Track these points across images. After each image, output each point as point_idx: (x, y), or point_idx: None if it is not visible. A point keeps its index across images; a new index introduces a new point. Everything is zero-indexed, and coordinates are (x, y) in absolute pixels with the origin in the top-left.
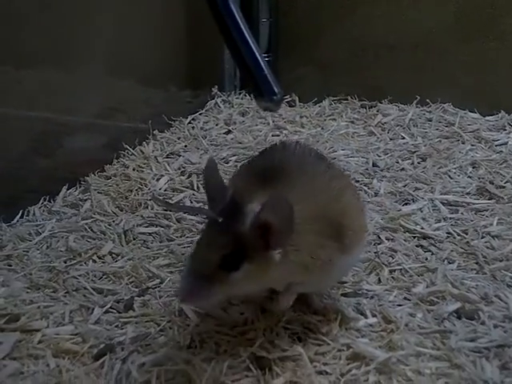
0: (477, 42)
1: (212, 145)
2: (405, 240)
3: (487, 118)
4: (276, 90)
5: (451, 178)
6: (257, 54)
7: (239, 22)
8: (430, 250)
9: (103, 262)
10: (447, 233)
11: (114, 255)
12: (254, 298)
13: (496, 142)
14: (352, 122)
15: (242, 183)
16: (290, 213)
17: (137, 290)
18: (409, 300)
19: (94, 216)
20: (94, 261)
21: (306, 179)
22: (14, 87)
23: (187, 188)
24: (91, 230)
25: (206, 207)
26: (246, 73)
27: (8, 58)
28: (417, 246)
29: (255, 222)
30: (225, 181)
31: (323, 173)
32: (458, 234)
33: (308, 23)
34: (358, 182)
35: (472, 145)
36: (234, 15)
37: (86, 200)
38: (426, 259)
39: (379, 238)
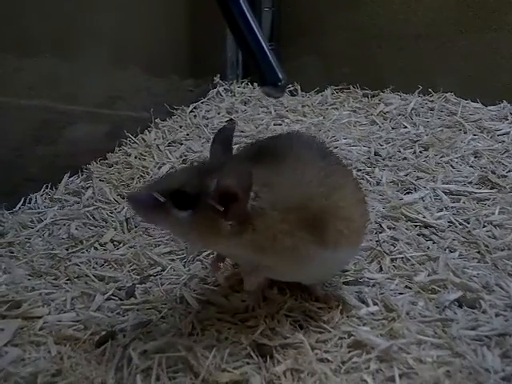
0: (479, 31)
1: (214, 133)
2: (406, 229)
3: (489, 107)
4: (280, 76)
5: (453, 168)
6: (261, 40)
7: (244, 7)
8: (431, 239)
9: (105, 250)
10: (449, 222)
11: (115, 243)
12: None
13: (498, 132)
14: (354, 111)
15: (239, 154)
16: (247, 189)
17: (138, 277)
18: (410, 288)
19: (95, 204)
20: (96, 248)
21: (293, 167)
22: (15, 76)
23: None
24: (93, 217)
25: None
26: (251, 59)
27: (9, 47)
28: (418, 234)
29: (216, 186)
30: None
31: (318, 167)
32: (460, 223)
33: (310, 12)
34: (359, 170)
35: (474, 134)
36: (238, 1)
37: (87, 188)
38: (428, 248)
39: (381, 226)
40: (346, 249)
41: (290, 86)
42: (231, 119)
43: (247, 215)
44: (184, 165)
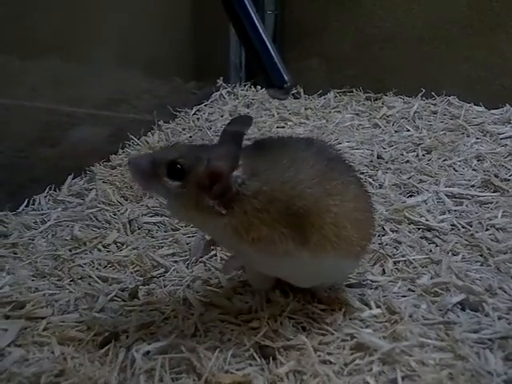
0: (483, 35)
1: (217, 136)
2: (409, 232)
3: (492, 111)
4: (286, 78)
5: (456, 171)
6: (267, 41)
7: (249, 9)
8: (434, 242)
9: (108, 251)
10: (452, 225)
11: (118, 244)
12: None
13: (501, 136)
14: (357, 115)
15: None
16: (231, 171)
17: (141, 278)
18: (413, 291)
19: (99, 205)
20: (99, 250)
21: (289, 165)
22: (19, 77)
23: None
24: (96, 219)
25: None
26: (256, 60)
27: (13, 49)
28: (421, 237)
29: (206, 164)
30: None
31: (317, 170)
32: (463, 226)
33: (313, 15)
34: (362, 173)
35: (477, 138)
36: (244, 3)
37: (91, 189)
38: (431, 251)
39: (384, 229)
40: (332, 257)
41: (294, 88)
42: (249, 116)
43: (230, 198)
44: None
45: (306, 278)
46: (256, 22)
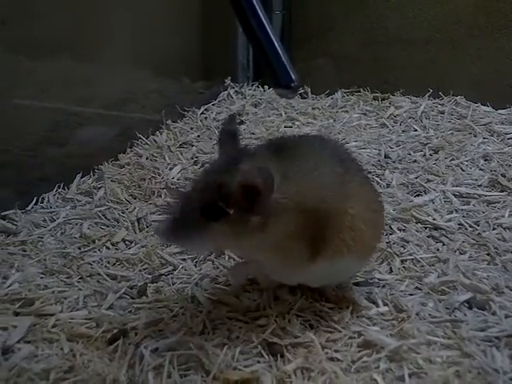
0: (490, 35)
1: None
2: (416, 231)
3: (499, 111)
4: (293, 77)
5: (463, 171)
6: (275, 41)
7: (258, 9)
8: (441, 241)
9: (116, 249)
10: (459, 224)
11: (127, 242)
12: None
13: (508, 136)
14: (364, 114)
15: (256, 149)
16: (269, 181)
17: (150, 276)
18: (420, 290)
19: (107, 204)
20: (108, 247)
21: (316, 168)
22: (28, 77)
23: None
24: (105, 217)
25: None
26: (264, 60)
27: (23, 49)
28: (428, 236)
29: (240, 181)
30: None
31: (339, 173)
32: (470, 226)
33: (321, 15)
34: (370, 173)
35: (484, 138)
36: (252, 3)
37: (99, 188)
38: (438, 250)
39: (391, 228)
40: (346, 260)
41: (301, 88)
42: (232, 115)
43: (268, 210)
44: (195, 166)
45: (318, 279)
46: (264, 22)
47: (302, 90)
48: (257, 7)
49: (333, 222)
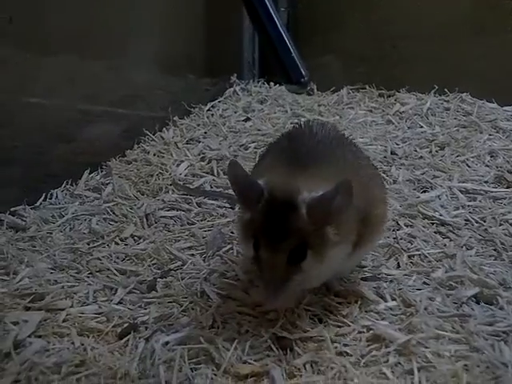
0: (495, 32)
1: (231, 132)
2: (423, 226)
3: (505, 108)
4: (303, 72)
5: (469, 167)
6: (285, 36)
7: (268, 5)
8: (448, 237)
9: (125, 245)
10: (465, 220)
11: (135, 238)
12: None
13: None
14: (370, 111)
15: (276, 174)
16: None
17: (159, 271)
18: (428, 284)
19: (115, 200)
20: (117, 243)
21: (347, 165)
22: (36, 75)
23: (207, 173)
24: (113, 213)
25: (226, 192)
26: (274, 55)
27: (30, 46)
28: (435, 232)
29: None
30: (247, 170)
31: (357, 163)
32: (477, 221)
33: (326, 12)
34: (376, 169)
35: (490, 134)
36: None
37: (107, 184)
38: (445, 245)
39: (398, 224)
40: (364, 248)
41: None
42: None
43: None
44: (202, 163)
45: (346, 271)
46: (275, 17)
47: (308, 87)
48: (267, 3)
49: (369, 211)
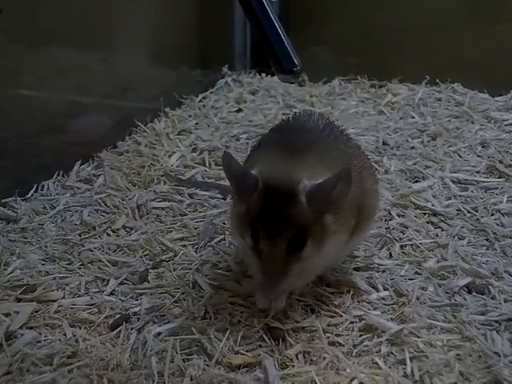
0: (486, 22)
1: (223, 123)
2: (415, 216)
3: (496, 98)
4: (296, 61)
5: (461, 157)
6: (277, 26)
7: None
8: (440, 227)
9: (117, 236)
10: (457, 210)
11: (127, 229)
12: None
13: (505, 122)
14: (362, 102)
15: (270, 164)
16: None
17: (151, 262)
18: (420, 274)
19: (107, 191)
20: (108, 234)
21: (342, 154)
22: (27, 66)
23: (199, 164)
24: (105, 204)
25: (218, 183)
26: (267, 44)
27: (20, 38)
28: (427, 222)
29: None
30: (240, 161)
31: (350, 152)
32: (468, 211)
33: (318, 3)
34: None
35: (481, 125)
36: None
37: (99, 175)
38: (437, 235)
39: (390, 214)
40: (359, 237)
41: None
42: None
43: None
44: (193, 154)
45: (340, 259)
46: (267, 7)
47: (300, 78)
48: None
49: (364, 199)
